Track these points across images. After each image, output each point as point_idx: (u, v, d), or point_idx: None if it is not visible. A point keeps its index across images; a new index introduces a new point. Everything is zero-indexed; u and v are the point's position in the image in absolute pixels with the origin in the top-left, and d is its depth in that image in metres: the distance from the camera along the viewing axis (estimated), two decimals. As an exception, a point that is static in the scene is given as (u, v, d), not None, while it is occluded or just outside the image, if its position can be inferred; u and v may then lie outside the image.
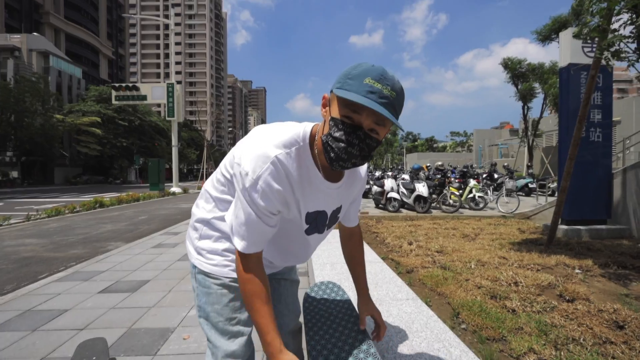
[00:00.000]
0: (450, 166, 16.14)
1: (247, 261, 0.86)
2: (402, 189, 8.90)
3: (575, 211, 5.26)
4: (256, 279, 0.85)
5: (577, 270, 3.42)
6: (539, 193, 11.77)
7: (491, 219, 7.20)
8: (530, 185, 12.95)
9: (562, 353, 1.88)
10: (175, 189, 18.40)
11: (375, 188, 9.93)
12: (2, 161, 32.57)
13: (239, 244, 0.84)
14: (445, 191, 8.78)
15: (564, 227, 5.26)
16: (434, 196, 9.05)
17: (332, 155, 0.76)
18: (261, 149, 0.79)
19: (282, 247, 1.03)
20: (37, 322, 2.35)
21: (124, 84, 19.32)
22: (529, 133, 21.12)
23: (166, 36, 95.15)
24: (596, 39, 3.00)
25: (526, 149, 21.50)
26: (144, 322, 2.34)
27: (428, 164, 13.34)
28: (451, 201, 8.53)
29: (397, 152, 64.96)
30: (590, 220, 5.33)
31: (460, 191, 9.01)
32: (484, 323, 2.22)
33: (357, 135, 0.74)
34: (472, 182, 9.10)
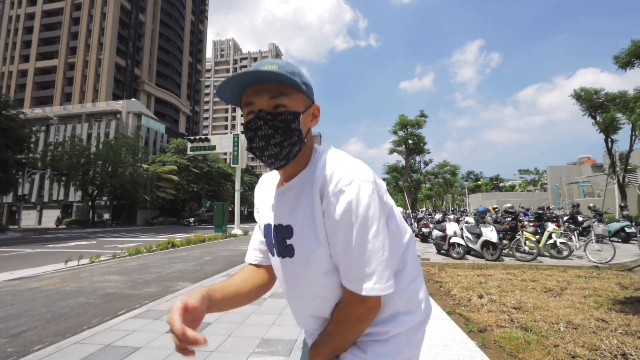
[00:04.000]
0: (522, 208, 14.60)
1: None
2: (467, 234, 8.20)
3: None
4: (237, 274, 0.95)
5: None
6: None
7: (580, 270, 6.18)
8: (627, 230, 11.00)
9: None
10: (236, 230, 19.44)
11: (436, 232, 9.33)
12: (99, 205, 38.20)
13: None
14: (518, 236, 7.87)
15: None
16: (504, 242, 8.15)
17: (257, 154, 0.77)
18: None
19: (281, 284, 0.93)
20: (114, 358, 2.54)
21: (197, 137, 21.93)
22: (618, 168, 18.46)
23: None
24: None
25: (616, 186, 18.69)
26: (205, 366, 2.39)
27: (495, 206, 12.23)
28: (527, 248, 7.57)
29: (458, 192, 61.19)
30: None
31: (537, 236, 7.99)
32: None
33: (258, 121, 0.74)
34: (551, 226, 8.04)
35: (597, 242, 7.61)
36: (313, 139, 0.86)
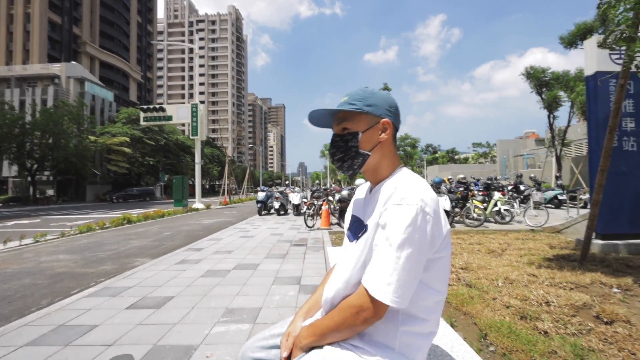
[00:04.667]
0: (473, 178, 15.69)
1: None
2: (423, 203, 8.72)
3: (611, 225, 4.95)
4: (327, 274, 1.17)
5: (615, 290, 3.20)
6: (570, 205, 11.19)
7: (519, 234, 6.90)
8: (559, 197, 12.36)
9: (601, 381, 1.75)
10: (198, 204, 18.91)
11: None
12: (40, 180, 34.77)
13: None
14: (468, 204, 8.53)
15: (599, 241, 4.96)
16: (456, 210, 8.81)
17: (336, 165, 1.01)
18: None
19: None
20: (70, 337, 2.45)
21: (151, 106, 20.38)
22: (556, 142, 20.32)
23: (191, 60, 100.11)
24: (623, 47, 2.91)
25: (554, 158, 20.64)
26: (168, 339, 2.40)
27: (450, 177, 13.03)
28: (475, 215, 8.26)
29: (418, 164, 63.95)
30: (628, 234, 5.00)
31: (485, 204, 8.73)
32: (514, 346, 2.11)
33: (332, 142, 1.00)
34: (497, 195, 8.80)
35: (535, 208, 8.49)
36: (393, 149, 1.00)
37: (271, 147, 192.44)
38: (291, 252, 5.67)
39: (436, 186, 8.79)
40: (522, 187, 12.99)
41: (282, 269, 4.47)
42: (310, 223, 8.68)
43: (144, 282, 3.95)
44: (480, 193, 9.06)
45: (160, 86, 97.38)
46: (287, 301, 3.19)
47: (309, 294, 3.41)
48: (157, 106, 20.23)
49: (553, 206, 12.43)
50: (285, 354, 0.95)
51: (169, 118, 19.92)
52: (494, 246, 5.50)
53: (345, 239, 1.08)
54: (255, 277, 4.10)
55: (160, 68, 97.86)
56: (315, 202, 9.42)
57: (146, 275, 4.23)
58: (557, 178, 14.52)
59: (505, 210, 8.56)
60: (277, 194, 13.46)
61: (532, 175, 14.21)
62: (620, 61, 4.81)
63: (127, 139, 37.14)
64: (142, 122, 20.51)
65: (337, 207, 8.96)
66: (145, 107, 20.56)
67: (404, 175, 0.93)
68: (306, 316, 1.07)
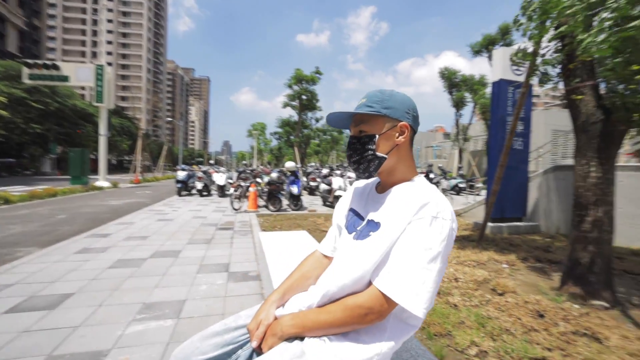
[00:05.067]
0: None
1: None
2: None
3: (498, 210, 5.89)
4: (304, 261, 1.15)
5: (504, 265, 3.84)
6: (468, 192, 13.06)
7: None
8: (460, 185, 14.28)
9: (498, 343, 2.07)
10: (102, 182, 16.48)
11: (323, 186, 10.06)
12: None
13: None
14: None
15: (490, 224, 5.89)
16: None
17: (353, 167, 1.00)
18: None
19: None
20: None
21: (40, 61, 16.66)
22: (460, 137, 23.30)
23: (95, 11, 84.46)
24: (526, 62, 3.38)
25: (457, 151, 23.70)
26: (68, 346, 2.01)
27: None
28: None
29: (343, 149, 66.69)
30: (510, 218, 6.05)
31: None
32: (431, 320, 2.36)
33: (349, 144, 1.00)
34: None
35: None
36: (409, 152, 0.99)
37: (192, 122, 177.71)
38: (217, 237, 5.35)
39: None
40: (431, 176, 14.63)
41: (207, 256, 4.19)
42: (236, 205, 8.33)
43: (31, 277, 3.26)
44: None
45: (53, 39, 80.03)
46: (215, 291, 3.00)
47: (239, 281, 3.26)
48: (49, 62, 16.63)
49: (455, 193, 14.34)
50: (255, 344, 0.90)
51: (65, 79, 16.60)
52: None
53: (338, 231, 1.11)
54: (176, 265, 3.75)
55: (53, 16, 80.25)
56: (242, 184, 9.05)
57: (33, 269, 3.50)
58: (459, 169, 16.72)
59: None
60: (200, 174, 12.54)
61: (440, 165, 16.08)
62: (519, 72, 5.65)
63: (4, 99, 29.91)
64: (26, 80, 16.66)
65: (266, 190, 8.77)
66: (31, 61, 16.73)
67: (427, 184, 0.94)
68: (279, 303, 1.01)
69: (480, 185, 13.40)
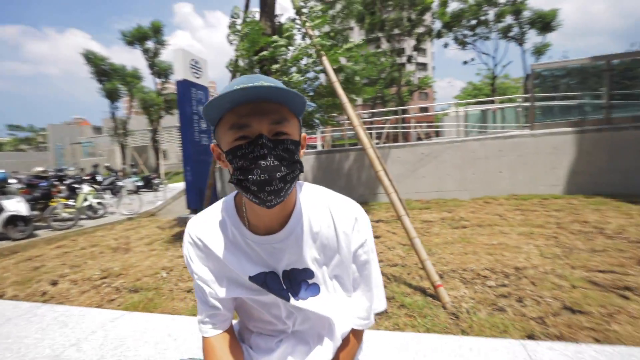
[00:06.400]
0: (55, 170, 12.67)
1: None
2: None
3: (196, 201, 6.36)
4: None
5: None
6: (147, 190, 12.63)
7: (122, 225, 6.86)
8: (137, 184, 13.42)
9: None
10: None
11: None
12: None
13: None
14: (54, 204, 6.94)
15: (191, 215, 6.30)
16: (35, 213, 6.84)
17: (252, 189, 0.61)
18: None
19: None
20: None
21: None
22: (120, 131, 21.38)
23: None
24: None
25: (119, 148, 21.67)
26: None
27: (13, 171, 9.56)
28: (66, 215, 6.93)
29: None
30: (199, 209, 6.78)
31: (72, 201, 7.54)
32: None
33: (259, 149, 0.60)
34: (86, 188, 7.94)
35: (127, 196, 8.73)
36: None
37: None
38: None
39: (0, 184, 6.22)
40: (99, 178, 12.51)
41: None
42: None
43: None
44: (65, 188, 7.66)
45: None
46: None
47: None
48: None
49: (134, 191, 13.28)
50: None
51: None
52: (112, 243, 5.15)
53: (230, 303, 0.81)
54: None
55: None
56: None
57: None
58: (132, 166, 15.48)
59: (98, 203, 7.99)
60: None
61: (107, 164, 14.15)
62: (198, 75, 6.28)
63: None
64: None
65: None
66: None
67: (324, 194, 0.80)
68: None
69: (157, 181, 13.40)
